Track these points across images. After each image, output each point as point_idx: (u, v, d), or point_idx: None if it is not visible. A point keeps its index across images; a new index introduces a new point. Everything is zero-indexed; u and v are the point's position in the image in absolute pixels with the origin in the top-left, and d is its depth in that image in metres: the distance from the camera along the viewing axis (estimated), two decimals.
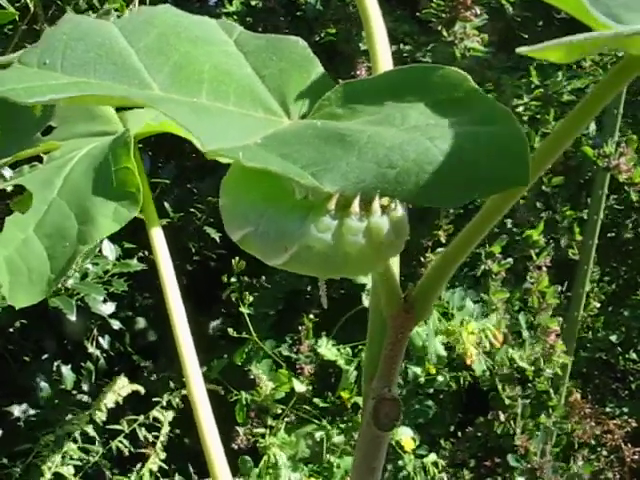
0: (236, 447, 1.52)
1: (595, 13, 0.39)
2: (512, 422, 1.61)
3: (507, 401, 1.59)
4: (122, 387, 1.46)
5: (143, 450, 1.49)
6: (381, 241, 0.33)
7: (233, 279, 1.57)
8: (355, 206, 0.31)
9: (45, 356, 1.74)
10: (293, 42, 0.37)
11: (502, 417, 1.60)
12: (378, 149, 0.30)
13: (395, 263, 0.44)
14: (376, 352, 0.47)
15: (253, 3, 1.67)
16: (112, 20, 0.63)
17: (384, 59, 0.46)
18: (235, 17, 1.66)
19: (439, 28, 1.58)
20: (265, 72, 0.36)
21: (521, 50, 0.38)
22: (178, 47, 0.34)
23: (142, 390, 1.48)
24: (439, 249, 1.55)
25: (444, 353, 1.49)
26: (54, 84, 0.29)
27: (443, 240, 1.61)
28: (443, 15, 1.57)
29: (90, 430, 1.44)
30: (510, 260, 1.60)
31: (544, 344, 1.59)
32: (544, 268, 1.63)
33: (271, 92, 0.36)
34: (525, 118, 1.75)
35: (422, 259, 1.55)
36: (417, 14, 1.65)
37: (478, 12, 1.56)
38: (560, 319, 1.65)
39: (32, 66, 0.30)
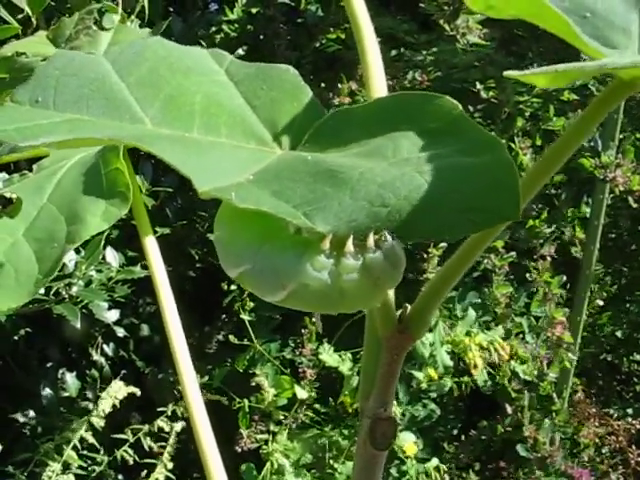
0: (239, 450, 1.52)
1: (585, 39, 0.39)
2: (519, 414, 1.60)
3: (513, 394, 1.59)
4: (118, 390, 1.46)
5: (148, 460, 1.50)
6: (378, 276, 0.33)
7: (233, 286, 1.57)
8: (349, 245, 0.31)
9: (50, 364, 1.75)
10: (284, 70, 0.38)
11: (509, 410, 1.60)
12: (370, 187, 0.30)
13: None
14: (372, 371, 0.47)
15: (254, 11, 1.67)
16: (96, 28, 0.63)
17: (377, 78, 0.47)
18: (236, 25, 1.66)
19: (441, 22, 1.57)
20: (256, 102, 0.36)
21: (509, 74, 0.38)
22: (169, 79, 0.34)
23: (138, 392, 1.48)
24: (442, 244, 1.55)
25: (450, 363, 1.49)
26: (46, 123, 0.29)
27: None
28: (446, 8, 1.57)
29: (89, 437, 1.45)
30: (513, 253, 1.60)
31: (551, 337, 1.58)
32: (548, 258, 1.62)
33: (263, 122, 0.36)
34: (526, 114, 1.75)
35: (425, 255, 1.54)
36: (417, 14, 1.64)
37: None
38: (567, 310, 1.64)
39: (24, 104, 0.31)
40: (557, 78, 0.35)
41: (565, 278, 1.64)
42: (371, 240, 0.31)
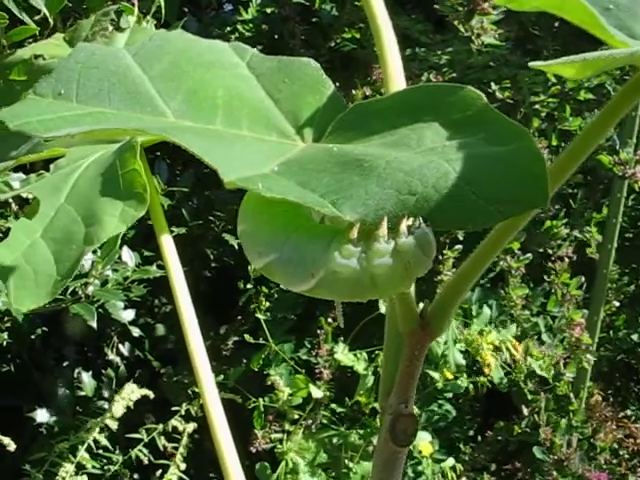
0: (254, 450, 1.52)
1: (611, 30, 0.39)
2: (536, 416, 1.59)
3: (530, 396, 1.58)
4: (132, 392, 1.46)
5: (162, 461, 1.50)
6: (408, 260, 0.33)
7: (249, 285, 1.57)
8: (380, 231, 0.31)
9: (66, 363, 1.76)
10: (305, 64, 0.37)
11: (525, 411, 1.59)
12: (397, 175, 0.30)
13: None
14: (392, 368, 0.47)
15: (268, 10, 1.67)
16: (121, 35, 0.63)
17: (396, 77, 0.46)
18: (250, 24, 1.66)
19: (456, 23, 1.57)
20: (278, 95, 0.36)
21: (535, 64, 0.38)
22: (191, 72, 0.34)
23: (151, 394, 1.48)
24: (457, 246, 1.54)
25: (463, 362, 1.48)
26: (69, 115, 0.29)
27: (460, 237, 1.60)
28: (460, 9, 1.56)
29: (102, 439, 1.45)
30: (529, 255, 1.58)
31: (569, 338, 1.56)
32: (566, 259, 1.61)
33: (285, 115, 0.36)
34: (542, 115, 1.74)
35: (440, 257, 1.54)
36: (432, 14, 1.64)
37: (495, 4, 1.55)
38: (585, 311, 1.63)
39: (47, 96, 0.31)
40: (585, 67, 0.35)
41: (583, 279, 1.62)
42: (404, 225, 0.31)
